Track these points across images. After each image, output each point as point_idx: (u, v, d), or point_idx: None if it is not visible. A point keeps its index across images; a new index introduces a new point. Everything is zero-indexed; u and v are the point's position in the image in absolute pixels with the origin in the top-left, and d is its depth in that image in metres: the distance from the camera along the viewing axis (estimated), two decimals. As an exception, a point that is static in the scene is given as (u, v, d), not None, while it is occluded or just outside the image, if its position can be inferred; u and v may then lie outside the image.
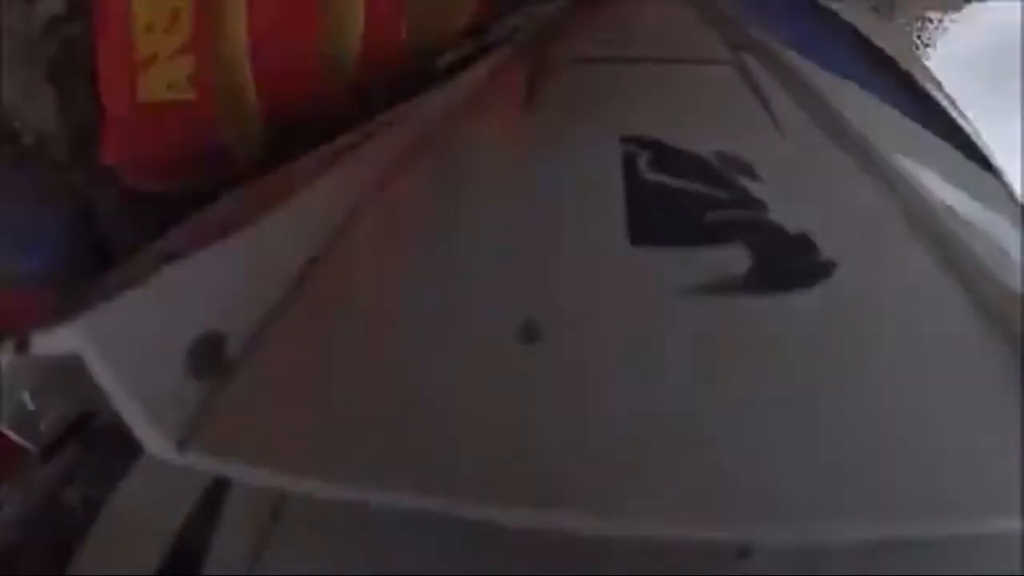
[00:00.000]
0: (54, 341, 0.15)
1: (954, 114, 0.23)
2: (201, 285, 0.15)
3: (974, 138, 0.22)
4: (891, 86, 0.23)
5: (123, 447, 0.14)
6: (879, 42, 0.24)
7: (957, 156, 0.21)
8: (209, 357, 0.14)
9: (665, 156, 0.17)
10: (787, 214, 0.16)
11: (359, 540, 0.14)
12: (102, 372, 0.14)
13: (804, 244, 0.16)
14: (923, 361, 0.15)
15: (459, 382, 0.13)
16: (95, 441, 0.18)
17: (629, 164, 0.17)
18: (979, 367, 0.15)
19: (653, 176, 0.17)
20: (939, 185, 0.18)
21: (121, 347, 0.14)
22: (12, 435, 0.19)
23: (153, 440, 0.13)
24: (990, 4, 0.32)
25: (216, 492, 0.14)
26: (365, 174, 0.17)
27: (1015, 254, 0.18)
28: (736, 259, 0.15)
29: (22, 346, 0.15)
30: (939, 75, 0.25)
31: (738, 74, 0.22)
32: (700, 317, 0.14)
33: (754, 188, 0.17)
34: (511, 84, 0.21)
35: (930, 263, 0.16)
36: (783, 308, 0.15)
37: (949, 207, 0.18)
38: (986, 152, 0.22)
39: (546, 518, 0.12)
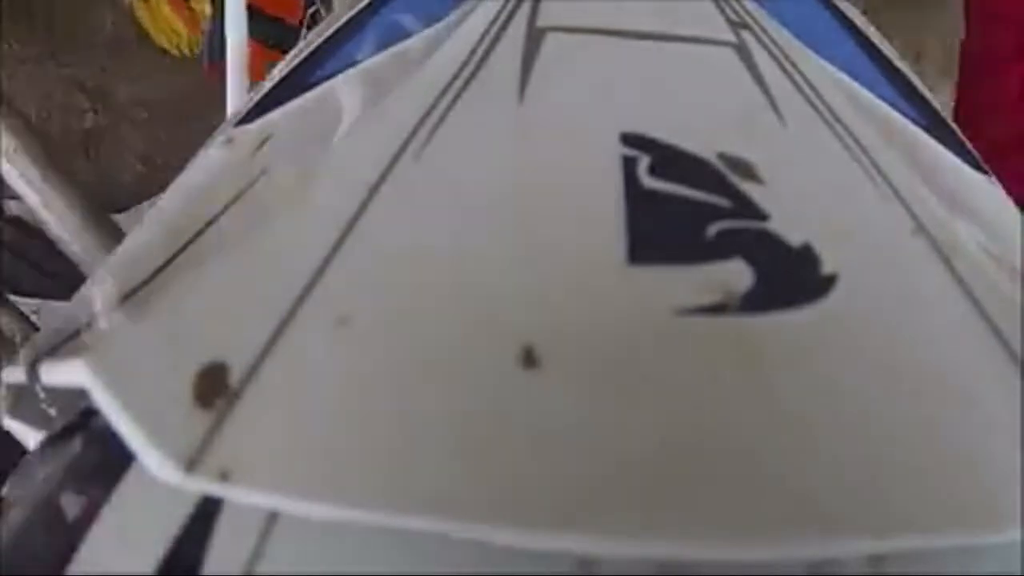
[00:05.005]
0: (61, 373, 0.15)
1: (946, 117, 0.23)
2: (202, 313, 0.15)
3: (966, 141, 0.22)
4: (885, 80, 0.23)
5: (123, 445, 0.14)
6: (873, 37, 0.24)
7: (955, 159, 0.21)
8: (213, 386, 0.14)
9: (666, 160, 0.17)
10: (789, 223, 0.16)
11: (357, 541, 0.14)
12: (109, 407, 0.14)
13: (806, 258, 0.16)
14: (924, 376, 0.15)
15: (463, 405, 0.14)
16: (95, 439, 0.18)
17: (629, 170, 0.17)
18: (980, 379, 0.15)
19: (653, 183, 0.17)
20: (939, 189, 0.18)
21: (127, 383, 0.14)
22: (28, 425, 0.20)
23: (160, 468, 0.13)
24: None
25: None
26: (356, 183, 0.17)
27: (1016, 261, 0.18)
28: (737, 276, 0.15)
29: (31, 376, 0.16)
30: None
31: (739, 58, 0.21)
32: (699, 339, 0.14)
33: (756, 194, 0.17)
34: (505, 64, 0.21)
35: (931, 273, 0.16)
36: (783, 326, 0.15)
37: (950, 212, 0.18)
38: (976, 154, 0.22)
39: (556, 541, 0.13)
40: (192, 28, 0.72)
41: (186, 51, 0.74)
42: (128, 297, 0.17)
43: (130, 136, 0.88)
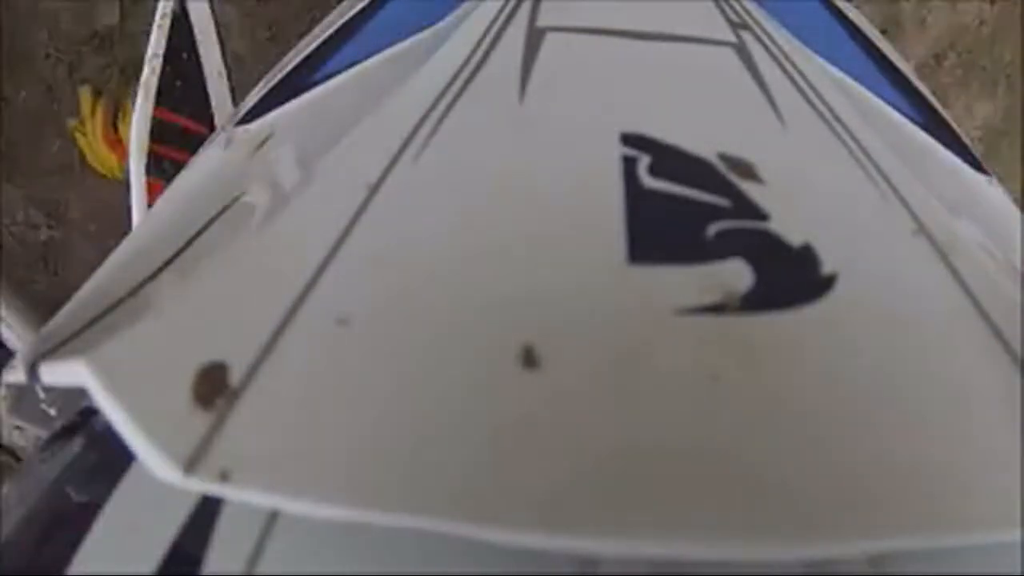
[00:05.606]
0: (61, 373, 0.15)
1: (947, 117, 0.23)
2: (202, 313, 0.15)
3: (966, 139, 0.22)
4: (885, 80, 0.23)
5: (124, 445, 0.14)
6: (873, 37, 0.24)
7: (955, 159, 0.21)
8: (213, 386, 0.14)
9: (666, 160, 0.17)
10: (789, 223, 0.16)
11: (357, 541, 0.14)
12: (109, 407, 0.14)
13: (806, 258, 0.16)
14: (924, 376, 0.15)
15: (463, 405, 0.14)
16: (95, 439, 0.18)
17: (629, 169, 0.17)
18: (980, 379, 0.15)
19: (653, 183, 0.17)
20: (939, 189, 0.18)
21: (127, 382, 0.14)
22: (29, 426, 0.20)
23: (160, 468, 0.13)
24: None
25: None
26: (356, 183, 0.17)
27: (1016, 261, 0.18)
28: (737, 276, 0.15)
29: (31, 375, 0.16)
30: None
31: (739, 59, 0.21)
32: (699, 339, 0.14)
33: (756, 194, 0.17)
34: (505, 64, 0.21)
35: (931, 273, 0.16)
36: (783, 326, 0.15)
37: (950, 213, 0.18)
38: (977, 154, 0.22)
39: (555, 541, 0.13)
40: (122, 157, 0.83)
41: (119, 175, 0.86)
42: (118, 305, 0.17)
43: (82, 247, 1.00)
